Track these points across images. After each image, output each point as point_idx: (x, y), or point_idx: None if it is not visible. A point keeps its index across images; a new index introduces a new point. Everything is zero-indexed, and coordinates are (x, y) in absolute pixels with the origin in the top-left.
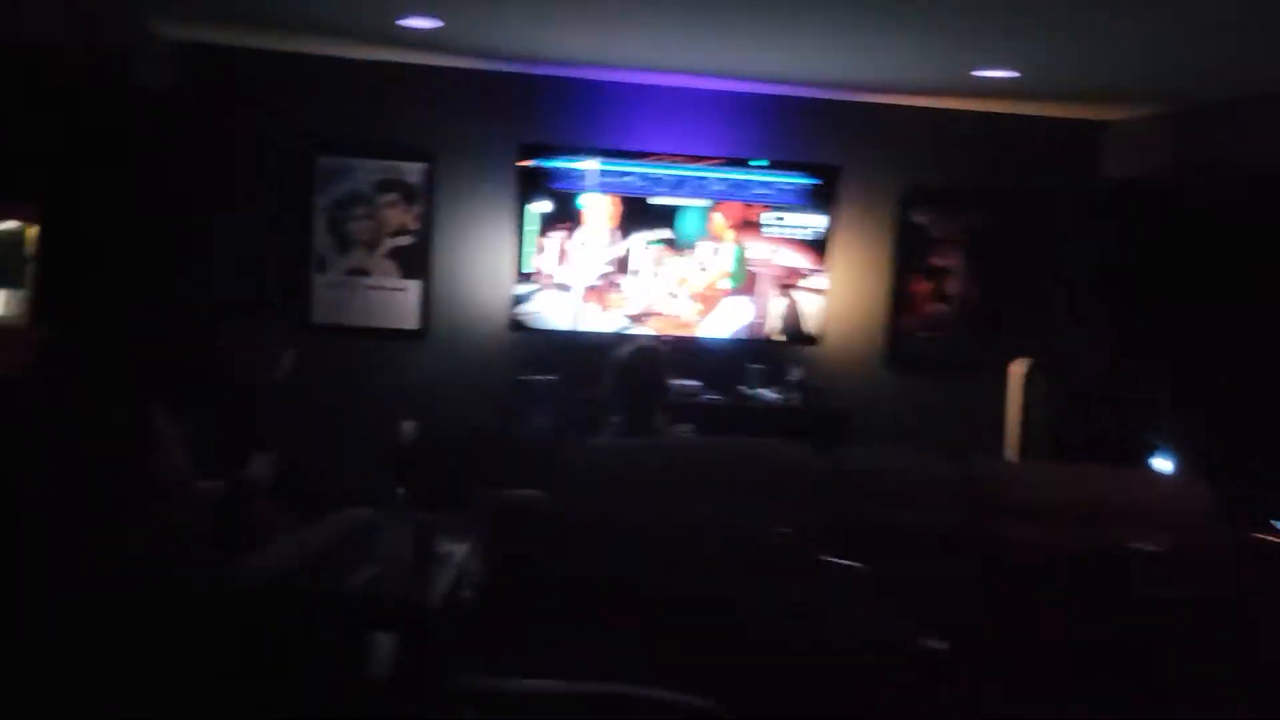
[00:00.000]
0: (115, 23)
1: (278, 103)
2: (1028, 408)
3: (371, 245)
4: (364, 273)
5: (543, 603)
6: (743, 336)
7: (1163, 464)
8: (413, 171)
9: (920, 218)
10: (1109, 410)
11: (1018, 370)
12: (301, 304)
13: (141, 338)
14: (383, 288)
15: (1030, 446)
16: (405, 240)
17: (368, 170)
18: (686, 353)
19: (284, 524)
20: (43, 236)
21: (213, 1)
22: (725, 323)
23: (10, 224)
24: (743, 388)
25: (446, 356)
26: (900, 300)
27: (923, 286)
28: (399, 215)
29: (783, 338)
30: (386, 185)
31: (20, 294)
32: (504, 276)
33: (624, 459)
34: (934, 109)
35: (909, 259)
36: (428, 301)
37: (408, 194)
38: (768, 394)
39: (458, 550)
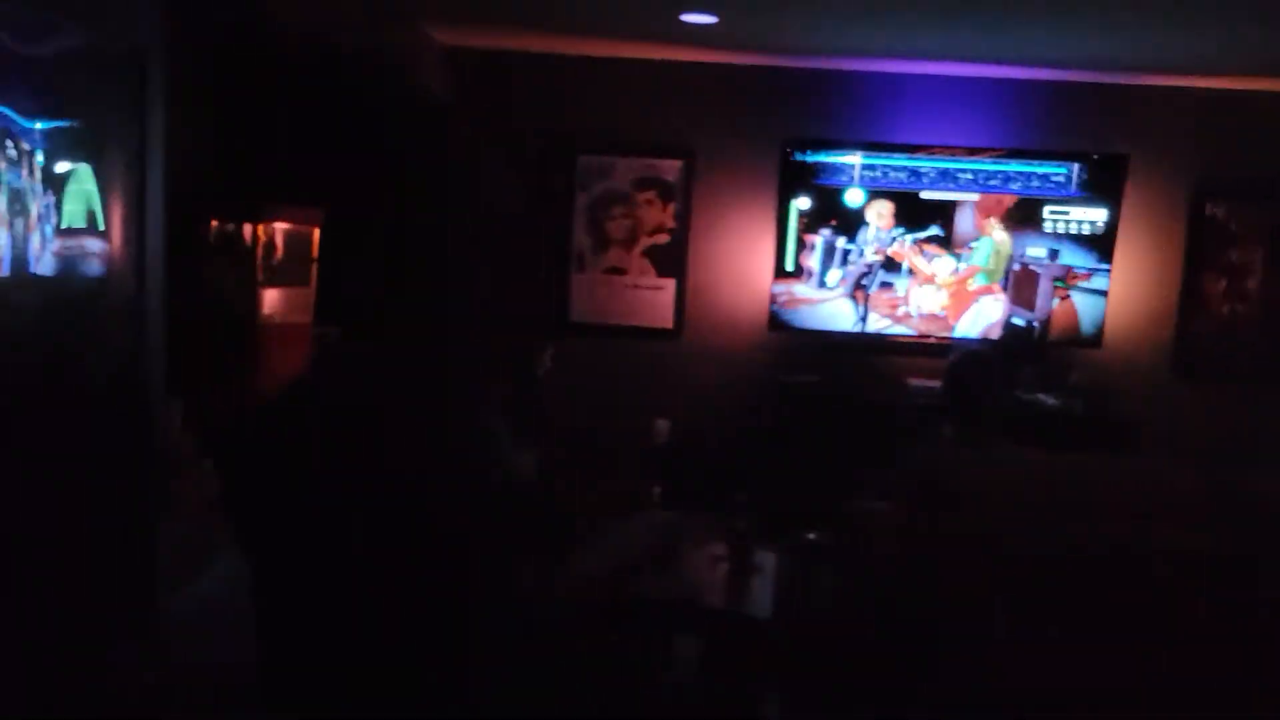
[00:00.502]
0: (395, 27)
1: (541, 103)
2: None
3: (629, 243)
4: (621, 271)
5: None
6: (1009, 337)
7: None
8: (670, 169)
9: (1215, 210)
10: None
11: None
12: (560, 302)
13: (431, 337)
14: (639, 286)
15: None
16: (662, 238)
17: (627, 168)
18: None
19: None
20: (324, 238)
21: (487, 5)
22: (998, 322)
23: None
24: (1018, 392)
25: (702, 356)
26: (1191, 300)
27: (1218, 285)
28: (656, 213)
29: (1062, 338)
30: (644, 183)
31: (306, 293)
32: (763, 275)
33: (992, 474)
34: (1229, 91)
35: (1202, 255)
36: (683, 300)
37: (665, 191)
38: (1045, 399)
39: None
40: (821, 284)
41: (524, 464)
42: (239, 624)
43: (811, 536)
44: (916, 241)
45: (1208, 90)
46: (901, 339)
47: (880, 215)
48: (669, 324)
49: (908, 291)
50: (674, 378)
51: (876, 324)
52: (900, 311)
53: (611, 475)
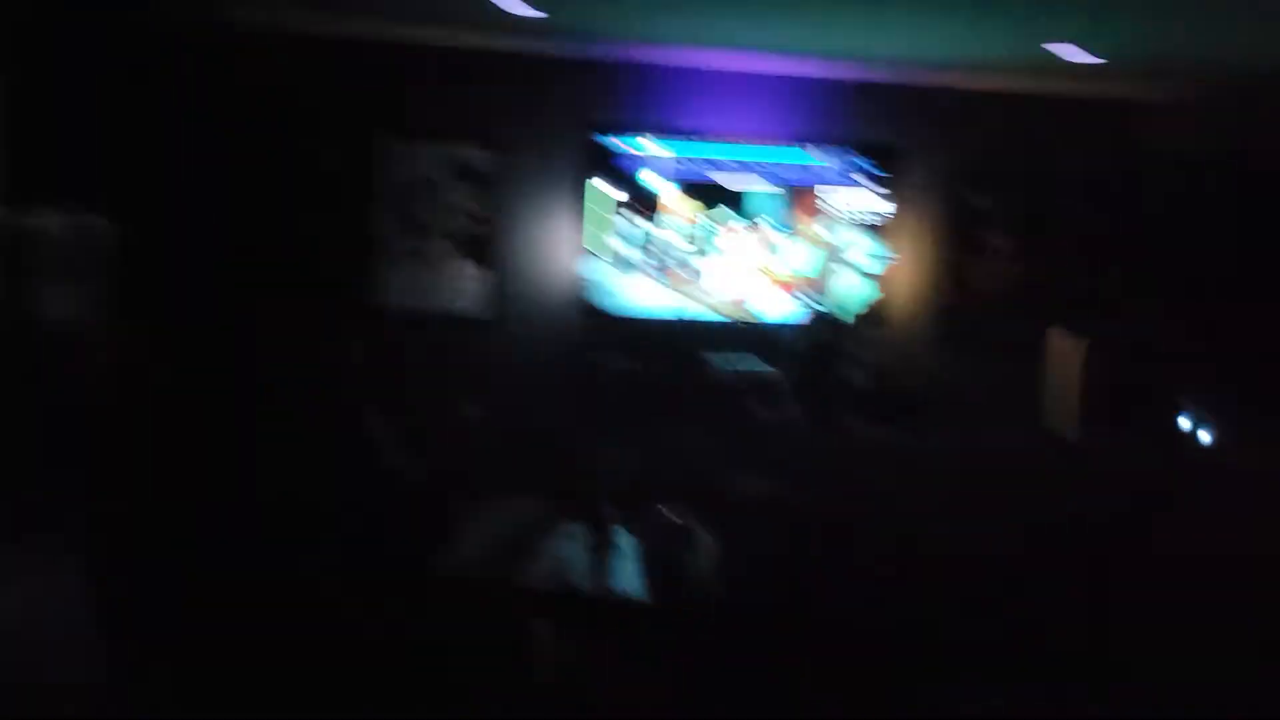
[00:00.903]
0: (187, 9)
1: (345, 89)
2: (1075, 380)
3: (438, 231)
4: (430, 258)
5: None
6: (813, 319)
7: (1185, 423)
8: (479, 157)
9: (970, 197)
10: (1145, 375)
11: (1064, 344)
12: (369, 292)
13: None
14: (449, 273)
15: (1075, 415)
16: (473, 226)
17: (435, 156)
18: (752, 330)
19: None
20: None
21: None
22: (793, 306)
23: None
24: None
25: (516, 342)
26: (952, 277)
27: (973, 263)
28: (466, 201)
29: (851, 320)
30: (454, 171)
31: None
32: (573, 260)
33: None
34: (985, 91)
35: (959, 237)
36: (496, 286)
37: (475, 179)
38: (849, 377)
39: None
40: (628, 267)
41: (402, 459)
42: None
43: (666, 513)
44: (717, 227)
45: (970, 90)
46: (706, 322)
47: (681, 201)
48: (481, 310)
49: (708, 275)
50: (489, 364)
51: (679, 306)
52: (702, 294)
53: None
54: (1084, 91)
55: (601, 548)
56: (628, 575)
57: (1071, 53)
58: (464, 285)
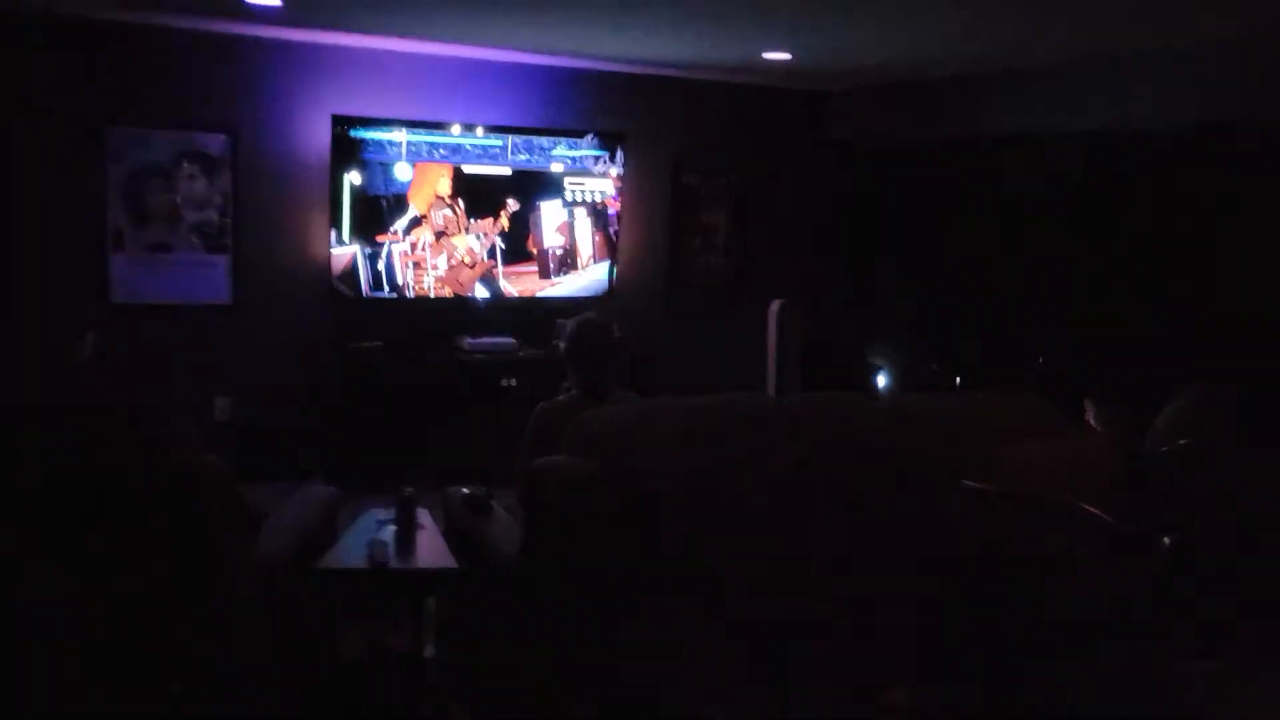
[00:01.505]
0: None
1: (68, 72)
2: (782, 342)
3: (172, 219)
4: (167, 248)
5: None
6: (550, 295)
7: (882, 380)
8: (215, 143)
9: (690, 179)
10: (844, 338)
11: (774, 309)
12: (100, 282)
13: None
14: (188, 263)
15: (785, 375)
16: (210, 213)
17: (165, 141)
18: (501, 311)
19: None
20: None
21: None
22: (532, 282)
23: None
24: (558, 342)
25: (262, 329)
26: (676, 253)
27: (695, 240)
28: (201, 188)
29: (586, 292)
30: (186, 157)
31: None
32: (320, 246)
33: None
34: (701, 81)
35: (682, 216)
36: (239, 274)
37: (209, 165)
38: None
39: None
40: (374, 253)
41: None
42: None
43: (467, 491)
44: (459, 212)
45: (684, 80)
46: (455, 303)
47: (424, 187)
48: (225, 299)
49: (456, 257)
50: (235, 353)
51: (425, 290)
52: (445, 277)
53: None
54: (783, 84)
55: (403, 524)
56: (431, 548)
57: (778, 55)
58: (206, 274)
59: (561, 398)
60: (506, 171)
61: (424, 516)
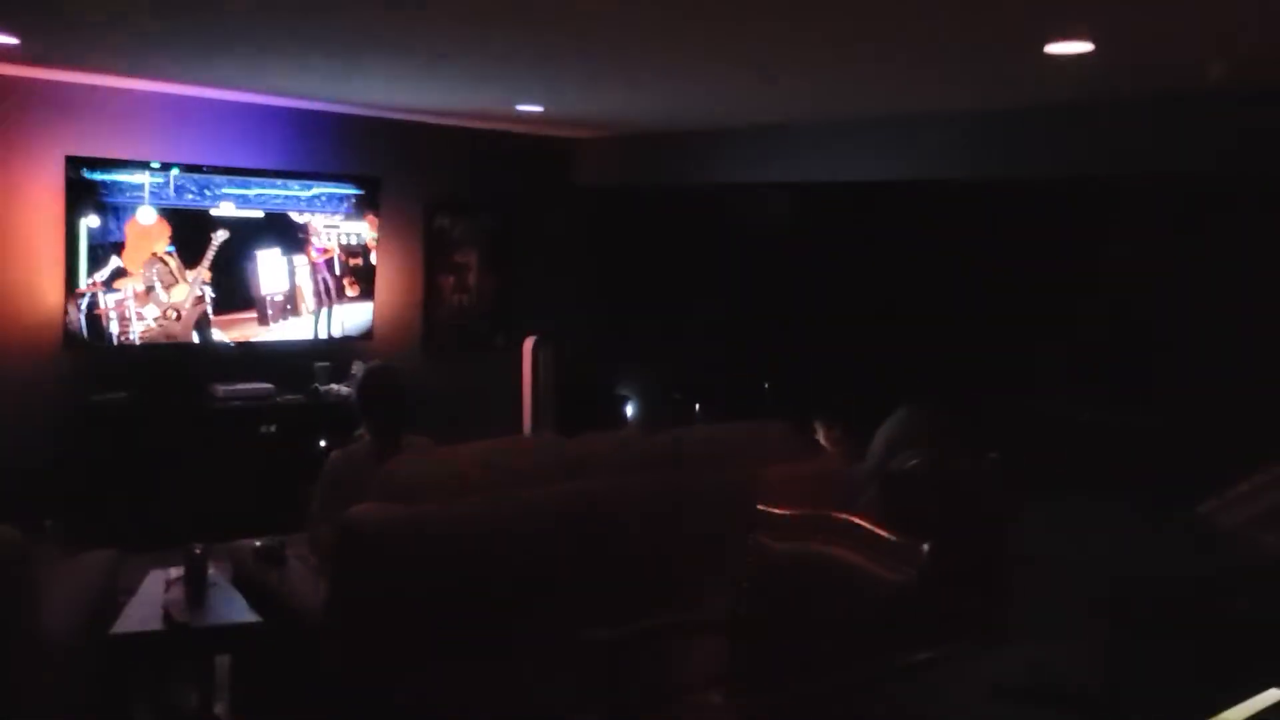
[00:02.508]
0: None
1: None
2: (536, 377)
3: None
4: None
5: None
6: (306, 338)
7: (630, 412)
8: None
9: (443, 222)
10: (595, 374)
11: (528, 346)
12: None
13: None
14: None
15: (541, 408)
16: None
17: None
18: (254, 356)
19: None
20: None
21: None
22: (286, 327)
23: None
24: (316, 386)
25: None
26: (431, 294)
27: (448, 281)
28: None
29: (341, 336)
30: None
31: None
32: (55, 292)
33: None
34: (453, 128)
35: (436, 258)
36: None
37: None
38: (339, 388)
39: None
40: (114, 300)
41: None
42: None
43: (259, 544)
44: (206, 254)
45: (437, 126)
46: (202, 348)
47: (165, 231)
48: None
49: (199, 301)
50: None
51: (174, 336)
52: (195, 322)
53: None
54: (531, 131)
55: (195, 581)
56: (230, 604)
57: (530, 107)
58: None
59: (355, 445)
60: (257, 214)
61: (215, 573)
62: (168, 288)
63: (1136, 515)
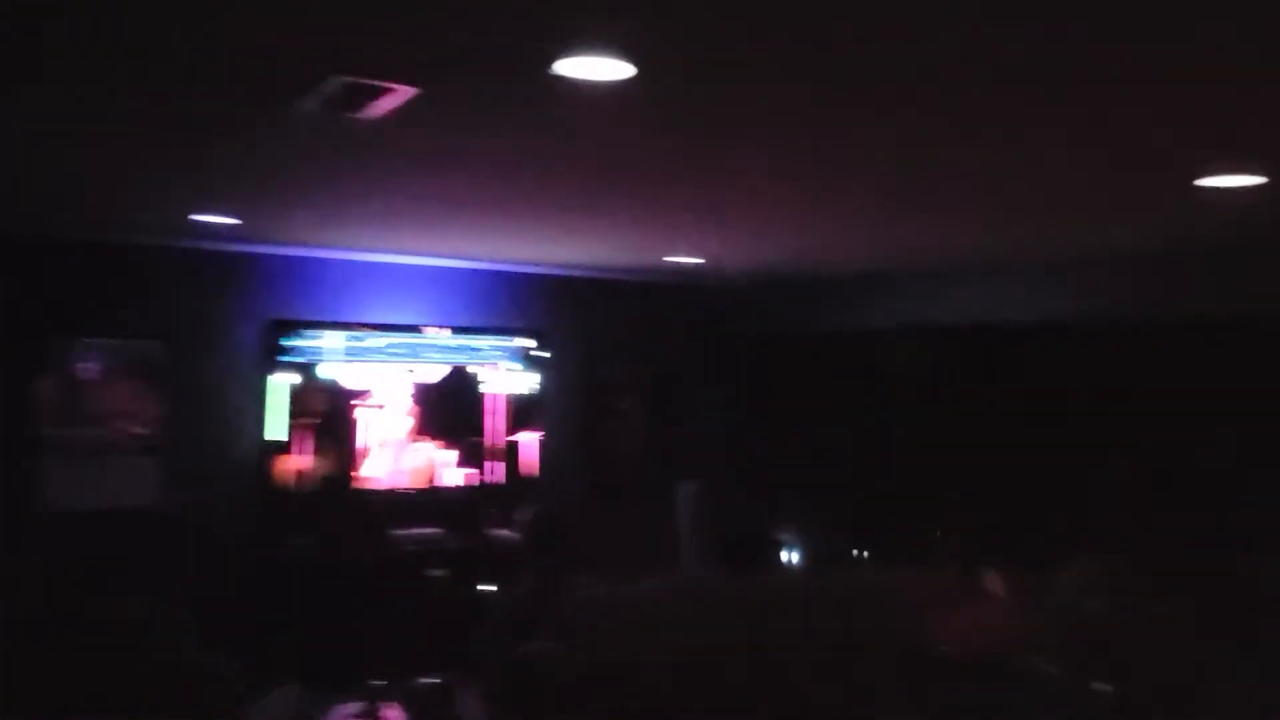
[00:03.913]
0: None
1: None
2: (693, 521)
3: (109, 423)
4: (102, 451)
5: None
6: (474, 483)
7: (790, 556)
8: (152, 350)
9: (603, 371)
10: (752, 517)
11: (685, 491)
12: (31, 488)
13: None
14: (122, 468)
15: (696, 551)
16: (146, 417)
17: (104, 349)
18: (426, 502)
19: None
20: None
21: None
22: (457, 473)
23: None
24: (487, 530)
25: (196, 528)
26: (593, 439)
27: (609, 427)
28: (138, 393)
29: (507, 481)
30: (124, 364)
31: None
32: (253, 449)
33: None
34: (611, 281)
35: (597, 405)
36: (173, 476)
37: (147, 372)
38: (505, 533)
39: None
40: (310, 451)
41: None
42: None
43: (433, 681)
44: (394, 409)
45: (595, 280)
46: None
47: (359, 386)
48: (157, 501)
49: (389, 452)
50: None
51: (363, 483)
52: (382, 469)
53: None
54: (684, 282)
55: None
56: None
57: (684, 259)
58: (138, 479)
59: (522, 588)
60: (444, 370)
61: (392, 713)
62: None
63: None
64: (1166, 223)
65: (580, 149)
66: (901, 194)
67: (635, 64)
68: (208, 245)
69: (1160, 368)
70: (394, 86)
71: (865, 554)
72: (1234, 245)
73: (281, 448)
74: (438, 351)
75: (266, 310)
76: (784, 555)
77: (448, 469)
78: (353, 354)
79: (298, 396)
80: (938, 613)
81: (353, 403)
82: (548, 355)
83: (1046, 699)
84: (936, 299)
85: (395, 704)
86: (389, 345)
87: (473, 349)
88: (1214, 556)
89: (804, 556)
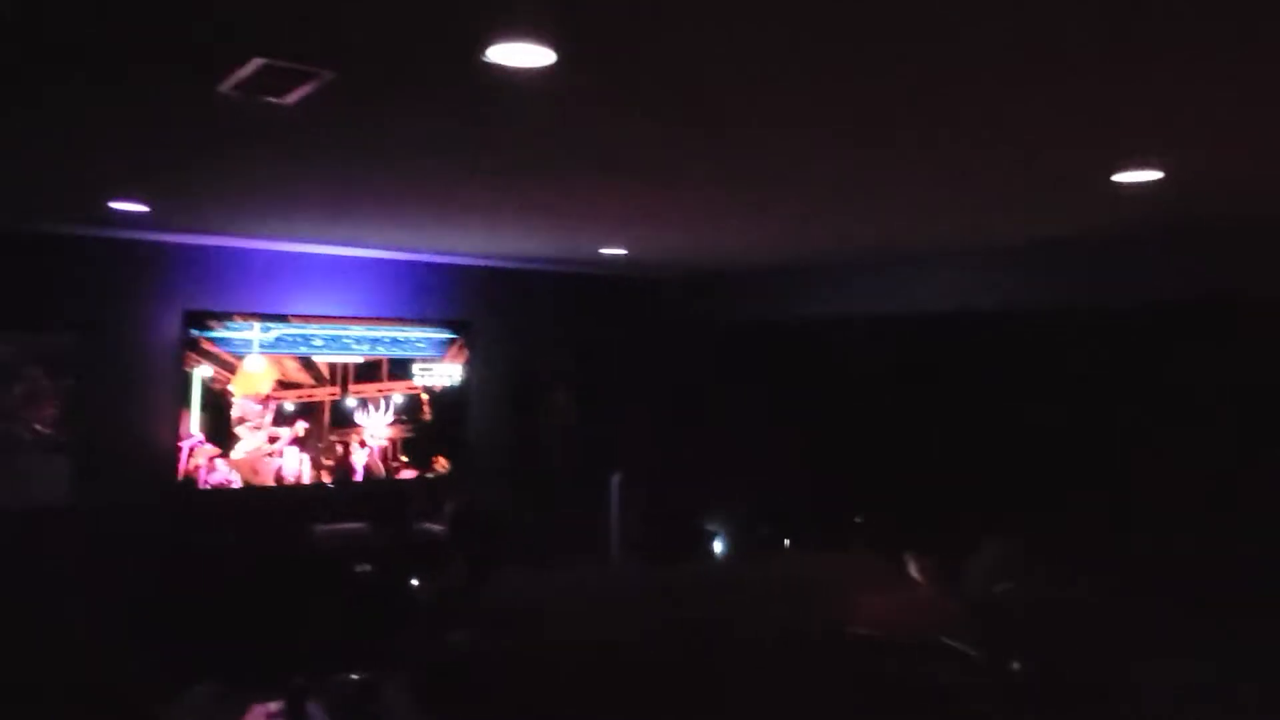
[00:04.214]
0: None
1: None
2: (623, 511)
3: (17, 418)
4: (9, 449)
5: None
6: (399, 477)
7: (718, 545)
8: (67, 342)
9: (531, 361)
10: (681, 507)
11: (615, 482)
12: None
13: None
14: (31, 463)
15: (627, 540)
16: (54, 411)
17: (13, 342)
18: (353, 495)
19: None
20: None
21: None
22: (379, 466)
23: None
24: (414, 523)
25: (108, 527)
26: (520, 431)
27: (537, 418)
28: (48, 386)
29: (432, 475)
30: (34, 358)
31: None
32: (168, 441)
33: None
34: (541, 272)
35: (525, 396)
36: (84, 473)
37: (57, 364)
38: (432, 526)
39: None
40: (223, 446)
41: None
42: None
43: (355, 677)
44: (311, 403)
45: (527, 271)
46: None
47: (276, 379)
48: (68, 498)
49: (310, 445)
50: (81, 556)
51: (294, 476)
52: (301, 465)
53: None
54: (614, 272)
55: (296, 717)
56: None
57: (614, 251)
58: (49, 477)
59: (448, 581)
60: (359, 360)
61: (314, 711)
62: (304, 428)
63: None
64: (1088, 214)
65: (502, 138)
66: (827, 189)
67: (555, 50)
68: (124, 235)
69: (1071, 354)
70: (313, 70)
71: (790, 542)
72: (1146, 236)
73: (200, 441)
74: (361, 343)
75: (185, 302)
76: (713, 544)
77: (369, 463)
78: (274, 345)
79: (210, 389)
80: (860, 597)
81: (272, 395)
82: (475, 347)
83: (965, 678)
84: (863, 289)
85: (316, 701)
86: (311, 337)
87: (397, 340)
88: (1117, 538)
89: (732, 545)
